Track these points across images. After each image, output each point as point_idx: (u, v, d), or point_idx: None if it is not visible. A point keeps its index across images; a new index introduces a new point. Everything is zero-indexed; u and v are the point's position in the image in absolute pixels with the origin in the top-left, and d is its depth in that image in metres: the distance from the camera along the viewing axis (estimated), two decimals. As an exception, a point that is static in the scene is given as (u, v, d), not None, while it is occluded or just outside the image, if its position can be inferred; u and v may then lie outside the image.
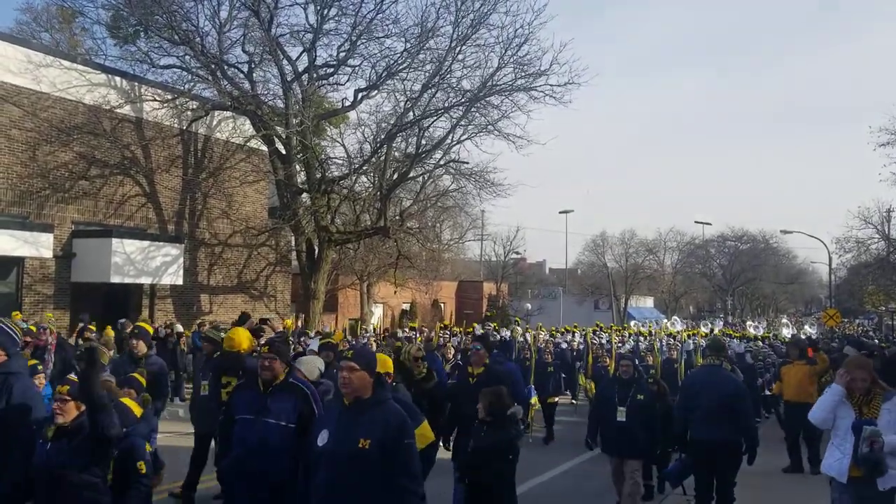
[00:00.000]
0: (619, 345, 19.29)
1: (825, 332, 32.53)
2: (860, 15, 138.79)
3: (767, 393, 15.02)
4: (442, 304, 42.48)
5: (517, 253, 52.59)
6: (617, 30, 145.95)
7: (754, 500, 8.23)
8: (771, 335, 26.23)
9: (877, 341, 22.51)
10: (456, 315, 42.30)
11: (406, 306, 37.34)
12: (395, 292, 33.36)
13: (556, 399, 14.19)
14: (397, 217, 24.72)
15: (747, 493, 7.63)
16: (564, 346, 18.78)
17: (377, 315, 34.48)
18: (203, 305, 23.24)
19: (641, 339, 22.92)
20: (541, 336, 18.28)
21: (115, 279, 19.26)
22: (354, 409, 4.00)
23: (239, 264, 24.80)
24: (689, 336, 22.04)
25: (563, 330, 24.26)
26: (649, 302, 60.77)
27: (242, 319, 10.46)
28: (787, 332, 30.01)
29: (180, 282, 21.45)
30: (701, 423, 7.12)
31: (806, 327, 35.12)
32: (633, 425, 7.74)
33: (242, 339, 7.02)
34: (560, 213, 59.01)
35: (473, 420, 6.16)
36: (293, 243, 25.13)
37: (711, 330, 28.03)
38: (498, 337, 20.45)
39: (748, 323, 37.88)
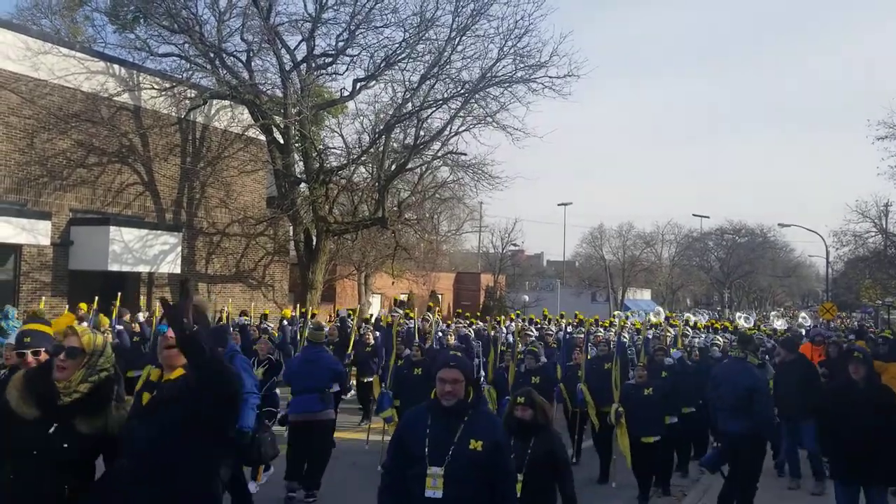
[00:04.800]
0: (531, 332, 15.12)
1: (822, 324, 32.56)
2: (862, 13, 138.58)
3: None
4: (440, 296, 42.51)
5: (515, 245, 52.59)
6: (619, 24, 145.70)
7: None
8: (756, 329, 25.66)
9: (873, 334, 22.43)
10: (453, 306, 42.32)
11: (404, 297, 37.37)
12: (393, 283, 33.36)
13: None
14: (395, 208, 24.73)
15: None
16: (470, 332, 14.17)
17: (375, 306, 34.48)
18: (201, 294, 23.25)
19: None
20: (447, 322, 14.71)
21: (113, 267, 19.27)
22: None
23: (237, 254, 24.81)
24: (657, 328, 18.82)
25: (496, 319, 21.58)
26: (647, 294, 60.86)
27: None
28: (779, 324, 29.93)
29: (178, 270, 21.46)
30: (723, 415, 7.39)
31: (803, 314, 34.86)
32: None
33: None
34: (558, 205, 59.26)
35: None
36: (291, 233, 25.14)
37: (687, 321, 26.91)
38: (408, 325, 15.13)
39: (737, 314, 37.80)
